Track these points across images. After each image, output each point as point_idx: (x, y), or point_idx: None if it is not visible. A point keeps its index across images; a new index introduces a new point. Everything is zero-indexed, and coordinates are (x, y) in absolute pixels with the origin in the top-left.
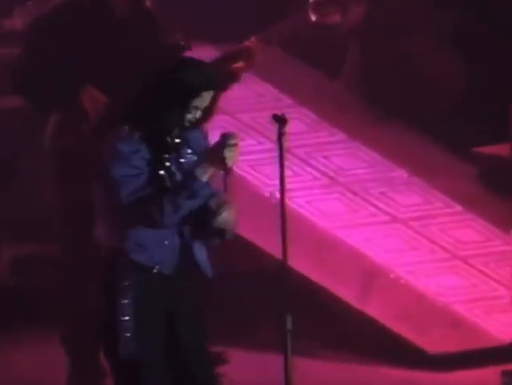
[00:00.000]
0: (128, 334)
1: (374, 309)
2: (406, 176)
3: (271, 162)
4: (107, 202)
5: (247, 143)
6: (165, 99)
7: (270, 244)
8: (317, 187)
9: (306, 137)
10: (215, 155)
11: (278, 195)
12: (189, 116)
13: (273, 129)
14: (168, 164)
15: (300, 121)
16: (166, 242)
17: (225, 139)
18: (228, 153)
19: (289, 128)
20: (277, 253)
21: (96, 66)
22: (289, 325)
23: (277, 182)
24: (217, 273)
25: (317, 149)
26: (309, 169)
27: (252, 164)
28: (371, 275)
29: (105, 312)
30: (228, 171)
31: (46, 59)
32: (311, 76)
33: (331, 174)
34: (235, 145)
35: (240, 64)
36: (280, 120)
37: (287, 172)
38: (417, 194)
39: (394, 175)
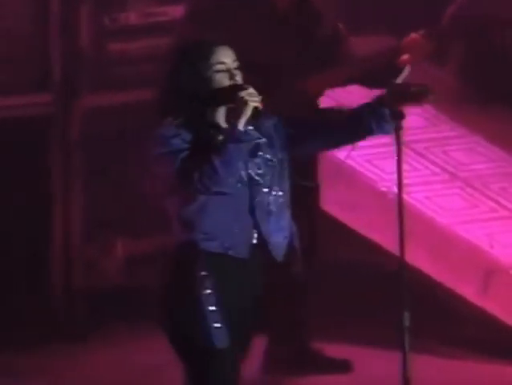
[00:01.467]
0: (218, 325)
1: (493, 306)
2: None
3: (388, 156)
4: (163, 193)
5: None
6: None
7: (387, 240)
8: (436, 182)
9: (426, 132)
10: (226, 95)
11: (395, 189)
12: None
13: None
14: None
15: (419, 116)
16: (235, 226)
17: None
18: (242, 93)
19: (408, 123)
20: (394, 249)
21: (258, 61)
22: (407, 321)
23: (394, 176)
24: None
25: (436, 144)
26: (428, 164)
27: (369, 158)
28: (491, 271)
29: (180, 306)
30: (253, 112)
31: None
32: (430, 69)
33: (451, 169)
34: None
35: (406, 56)
36: (397, 115)
37: (405, 167)
38: None
39: None
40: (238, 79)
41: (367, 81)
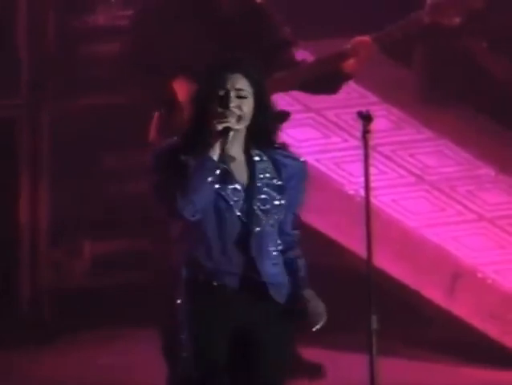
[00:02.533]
0: (185, 354)
1: (460, 308)
2: (493, 174)
3: (356, 160)
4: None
5: (332, 140)
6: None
7: (354, 242)
8: (403, 185)
9: (392, 135)
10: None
11: (362, 193)
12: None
13: (358, 126)
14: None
15: (386, 118)
16: (215, 254)
17: None
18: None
19: (374, 126)
20: (361, 252)
21: (198, 61)
22: (374, 324)
23: (362, 180)
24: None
25: (403, 147)
26: (395, 167)
27: (337, 161)
28: (457, 274)
29: (168, 330)
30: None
31: (149, 50)
32: (397, 74)
33: (418, 172)
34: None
35: (351, 61)
36: (365, 118)
37: (372, 170)
38: (505, 192)
39: (481, 173)
40: (233, 105)
41: (312, 87)
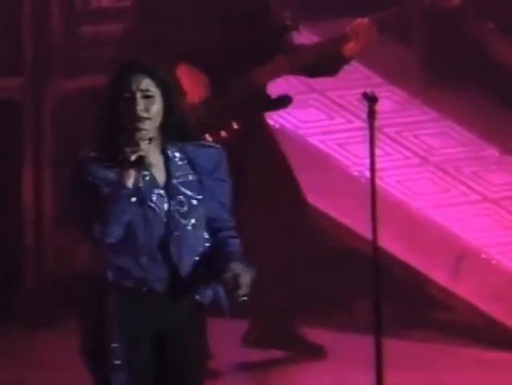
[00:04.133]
0: (118, 362)
1: (465, 289)
2: (498, 155)
3: (361, 141)
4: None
5: (336, 121)
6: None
7: (359, 223)
8: (407, 166)
9: (397, 116)
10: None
11: (367, 174)
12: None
13: (362, 107)
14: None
15: (390, 100)
16: (143, 262)
17: None
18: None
19: (379, 107)
20: (366, 233)
21: (198, 45)
22: (379, 306)
23: (366, 161)
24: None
25: (407, 128)
26: (399, 148)
27: (341, 142)
28: (462, 255)
29: (92, 338)
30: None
31: (148, 35)
32: (401, 55)
33: (422, 153)
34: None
35: (351, 44)
36: (370, 98)
37: (377, 151)
38: (509, 173)
39: (486, 154)
40: (141, 108)
41: (312, 70)
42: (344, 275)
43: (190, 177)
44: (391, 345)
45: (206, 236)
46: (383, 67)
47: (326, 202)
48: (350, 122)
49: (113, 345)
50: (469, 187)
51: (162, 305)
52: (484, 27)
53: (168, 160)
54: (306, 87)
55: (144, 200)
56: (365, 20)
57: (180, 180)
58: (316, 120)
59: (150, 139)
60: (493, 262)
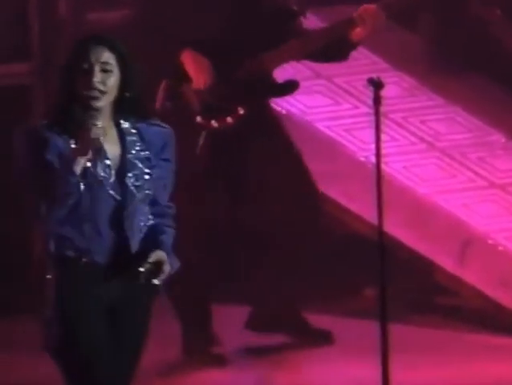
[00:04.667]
0: (54, 329)
1: (471, 275)
2: (504, 140)
3: (367, 126)
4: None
5: (343, 107)
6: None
7: (365, 209)
8: (414, 152)
9: (403, 102)
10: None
11: (373, 160)
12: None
13: (369, 93)
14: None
15: (397, 85)
16: (86, 232)
17: None
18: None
19: (385, 92)
20: (372, 219)
21: (202, 31)
22: (385, 291)
23: (372, 146)
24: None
25: (414, 114)
26: (406, 134)
27: (347, 128)
28: (468, 241)
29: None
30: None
31: (152, 22)
32: (408, 41)
33: (429, 139)
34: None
35: (358, 29)
36: (376, 84)
37: (383, 137)
38: None
39: (492, 139)
40: (97, 80)
41: (319, 55)
42: (352, 261)
43: (143, 154)
44: (397, 330)
45: (149, 214)
46: (390, 53)
47: (333, 188)
48: (356, 107)
49: (50, 313)
50: (476, 173)
51: (104, 278)
52: (491, 13)
53: (122, 134)
54: (313, 73)
55: (91, 171)
56: (372, 6)
57: (135, 154)
58: (323, 106)
59: (100, 110)
60: (500, 248)
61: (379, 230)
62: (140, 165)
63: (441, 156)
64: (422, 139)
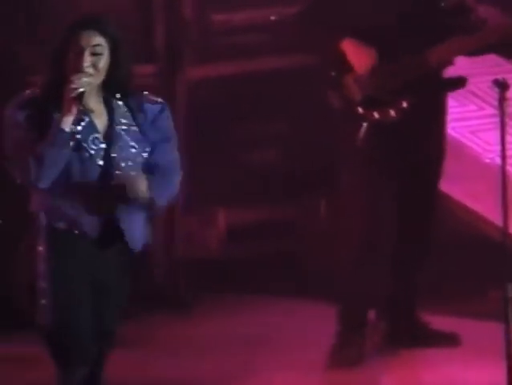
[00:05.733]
0: (44, 302)
1: None
2: None
3: (492, 128)
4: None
5: (468, 108)
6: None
7: (490, 210)
8: None
9: None
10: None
11: (498, 161)
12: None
13: (494, 94)
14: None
15: None
16: (77, 203)
17: None
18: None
19: (510, 94)
20: (497, 220)
21: (370, 23)
22: (509, 293)
23: (498, 148)
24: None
25: None
26: None
27: (473, 129)
28: None
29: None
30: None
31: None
32: None
33: None
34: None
35: None
36: (501, 85)
37: (509, 138)
38: None
39: None
40: (87, 64)
41: (504, 50)
42: (473, 261)
43: (132, 128)
44: None
45: None
46: None
47: (458, 189)
48: (482, 109)
49: (41, 285)
50: None
51: (95, 250)
52: None
53: (111, 109)
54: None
55: (80, 143)
56: None
57: (123, 127)
58: (449, 107)
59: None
60: None
61: (503, 231)
62: (127, 138)
63: None
64: None
